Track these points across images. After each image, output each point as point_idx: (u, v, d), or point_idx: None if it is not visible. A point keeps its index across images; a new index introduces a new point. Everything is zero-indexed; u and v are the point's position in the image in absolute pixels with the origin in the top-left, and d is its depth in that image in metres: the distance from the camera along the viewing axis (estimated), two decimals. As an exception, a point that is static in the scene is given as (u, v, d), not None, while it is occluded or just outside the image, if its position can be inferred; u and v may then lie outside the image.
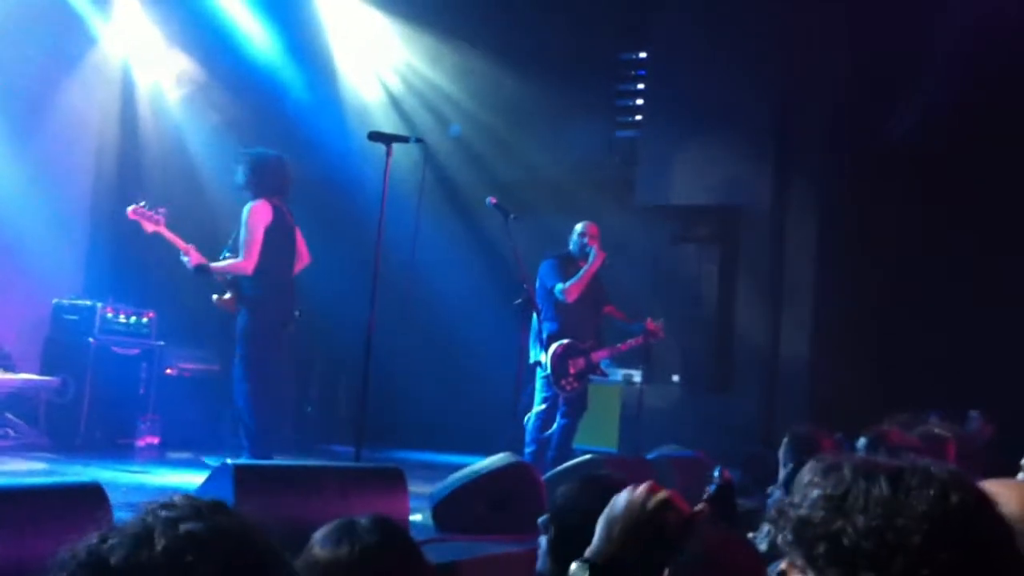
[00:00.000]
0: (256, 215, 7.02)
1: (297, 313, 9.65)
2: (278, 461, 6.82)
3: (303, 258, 7.45)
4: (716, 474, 5.00)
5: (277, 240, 7.11)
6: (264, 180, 7.15)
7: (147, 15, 9.99)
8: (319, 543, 2.25)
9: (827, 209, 9.50)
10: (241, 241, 6.99)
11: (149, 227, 6.93)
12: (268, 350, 7.08)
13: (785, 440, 4.71)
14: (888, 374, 8.60)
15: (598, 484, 2.54)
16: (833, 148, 9.49)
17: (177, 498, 1.34)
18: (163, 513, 1.30)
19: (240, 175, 7.21)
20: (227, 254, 7.11)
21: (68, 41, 9.51)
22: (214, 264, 7.01)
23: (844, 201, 9.37)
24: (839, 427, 5.52)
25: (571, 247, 8.15)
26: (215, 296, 7.14)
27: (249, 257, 6.96)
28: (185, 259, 6.95)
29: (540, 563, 2.49)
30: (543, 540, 2.50)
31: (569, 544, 2.39)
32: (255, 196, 7.10)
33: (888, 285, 9.05)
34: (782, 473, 4.62)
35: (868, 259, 9.17)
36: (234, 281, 7.05)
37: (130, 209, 6.95)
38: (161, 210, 6.97)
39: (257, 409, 6.98)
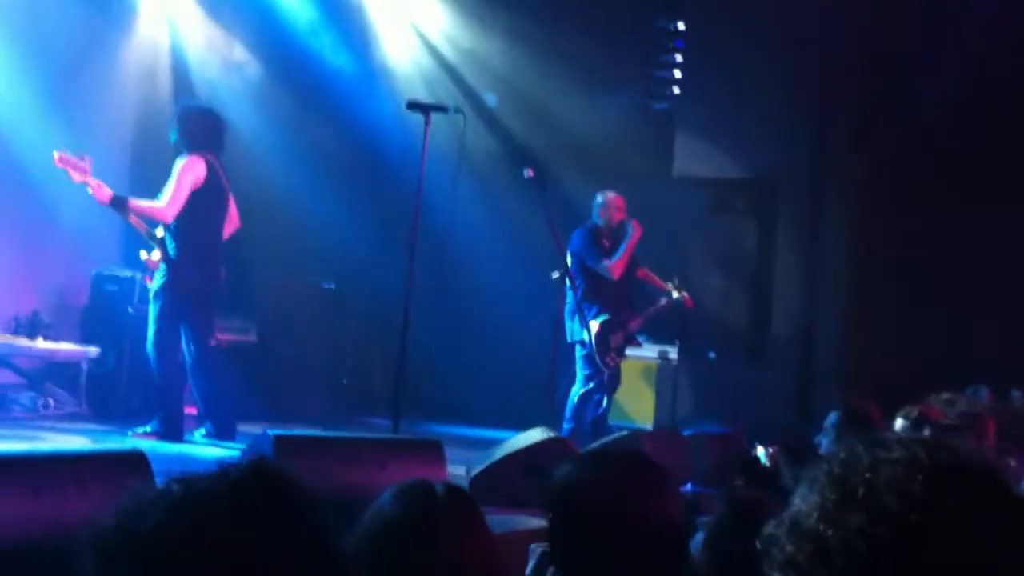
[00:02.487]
0: (186, 169, 6.87)
1: (332, 285, 9.74)
2: (316, 431, 6.87)
3: (233, 221, 7.30)
4: (759, 451, 4.97)
5: (207, 200, 6.95)
6: (192, 133, 6.97)
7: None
8: (390, 502, 2.26)
9: (865, 181, 9.40)
10: (166, 190, 6.83)
11: (76, 176, 6.71)
12: (187, 311, 6.95)
13: (837, 414, 4.67)
14: (927, 350, 8.52)
15: (597, 455, 2.53)
16: (872, 119, 9.37)
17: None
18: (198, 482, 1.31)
19: (173, 132, 7.05)
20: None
21: (108, 11, 9.53)
22: (132, 200, 6.82)
23: (882, 173, 9.26)
24: (877, 402, 5.47)
25: (595, 218, 8.10)
26: (143, 253, 7.05)
27: (170, 204, 6.79)
28: (92, 192, 6.70)
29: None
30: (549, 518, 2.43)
31: (567, 514, 2.37)
32: (188, 151, 6.95)
33: (928, 259, 8.94)
34: (827, 445, 4.59)
35: (907, 232, 9.06)
36: (161, 240, 6.93)
37: (56, 156, 6.69)
38: (87, 158, 6.76)
39: (165, 376, 6.92)
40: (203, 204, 6.94)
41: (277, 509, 1.30)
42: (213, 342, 7.27)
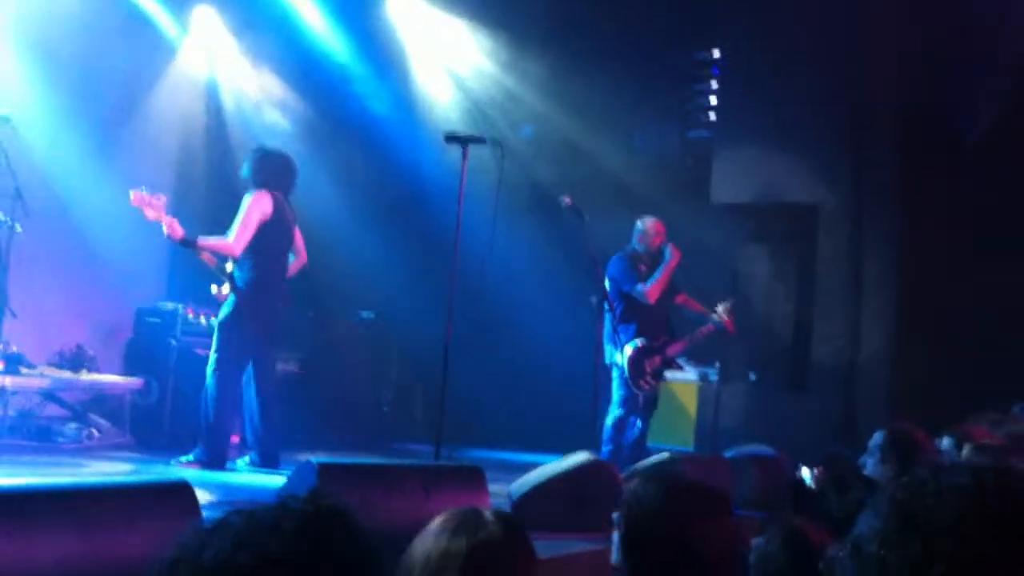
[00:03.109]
0: (254, 203, 7.06)
1: (372, 314, 9.81)
2: (359, 459, 6.90)
3: (301, 257, 7.50)
4: (804, 473, 4.94)
5: (274, 233, 7.14)
6: (266, 174, 7.20)
7: (225, 26, 10.18)
8: (441, 530, 2.24)
9: (905, 206, 9.34)
10: (234, 224, 7.00)
11: (150, 214, 6.90)
12: (251, 343, 7.09)
13: (883, 435, 4.64)
14: (971, 373, 8.42)
15: (665, 480, 2.56)
16: (909, 143, 9.33)
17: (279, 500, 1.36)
18: (260, 515, 1.33)
19: (245, 168, 7.28)
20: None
21: (149, 54, 9.75)
22: (201, 238, 7.00)
23: (922, 198, 9.20)
24: (921, 426, 5.43)
25: (635, 244, 8.13)
26: (213, 287, 7.20)
27: (237, 239, 6.97)
28: (167, 230, 6.86)
29: (614, 556, 2.51)
30: (615, 535, 2.51)
31: (639, 538, 2.42)
32: (256, 187, 7.15)
33: (969, 281, 8.86)
34: (872, 466, 4.55)
35: (947, 255, 8.99)
36: (230, 274, 7.09)
37: (132, 194, 6.88)
38: (161, 196, 6.94)
39: (219, 404, 6.99)
40: (269, 238, 7.12)
41: (338, 541, 1.31)
42: (275, 371, 7.45)
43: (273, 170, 7.27)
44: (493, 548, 2.21)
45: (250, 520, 1.30)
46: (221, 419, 7.07)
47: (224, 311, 7.13)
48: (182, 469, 6.71)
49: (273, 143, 7.67)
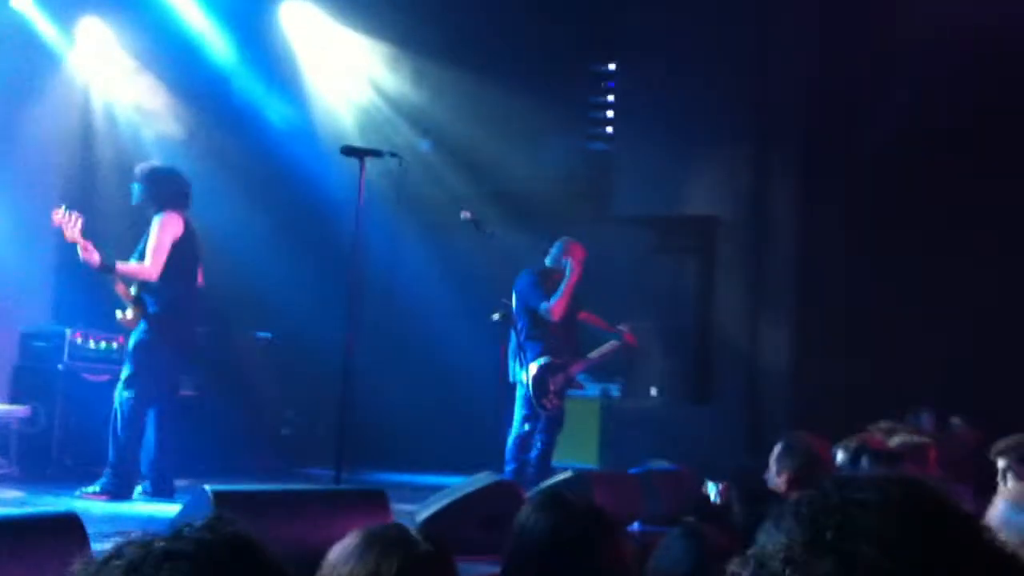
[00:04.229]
0: (165, 225, 6.96)
1: (269, 335, 9.59)
2: (256, 486, 6.71)
3: (198, 278, 7.37)
4: (710, 488, 4.92)
5: (186, 254, 7.05)
6: (162, 193, 7.08)
7: (113, 37, 9.88)
8: (358, 554, 2.08)
9: (805, 216, 9.50)
10: (149, 248, 6.89)
11: (68, 235, 6.76)
12: (164, 369, 7.01)
13: (780, 446, 4.64)
14: (872, 379, 8.57)
15: (552, 507, 2.51)
16: (809, 154, 9.49)
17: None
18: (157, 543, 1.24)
19: (138, 192, 7.13)
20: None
21: (32, 64, 9.39)
22: (119, 264, 6.89)
23: (823, 207, 9.35)
24: (824, 435, 5.46)
25: (547, 260, 8.10)
26: (118, 313, 7.06)
27: (154, 264, 6.88)
28: (82, 255, 6.73)
29: None
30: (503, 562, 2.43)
31: (527, 566, 2.34)
32: (161, 209, 7.02)
33: (866, 289, 9.04)
34: (772, 478, 4.55)
35: (846, 265, 9.16)
36: (137, 297, 6.97)
37: (54, 214, 6.78)
38: (78, 216, 6.78)
39: (129, 432, 6.87)
40: (181, 260, 7.00)
41: (240, 569, 1.24)
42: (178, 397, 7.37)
43: (173, 189, 7.14)
44: (426, 567, 2.10)
45: (143, 550, 1.22)
46: (130, 448, 6.91)
47: (136, 337, 6.98)
48: (88, 500, 6.51)
49: (161, 159, 7.46)
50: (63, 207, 6.81)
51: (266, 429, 9.29)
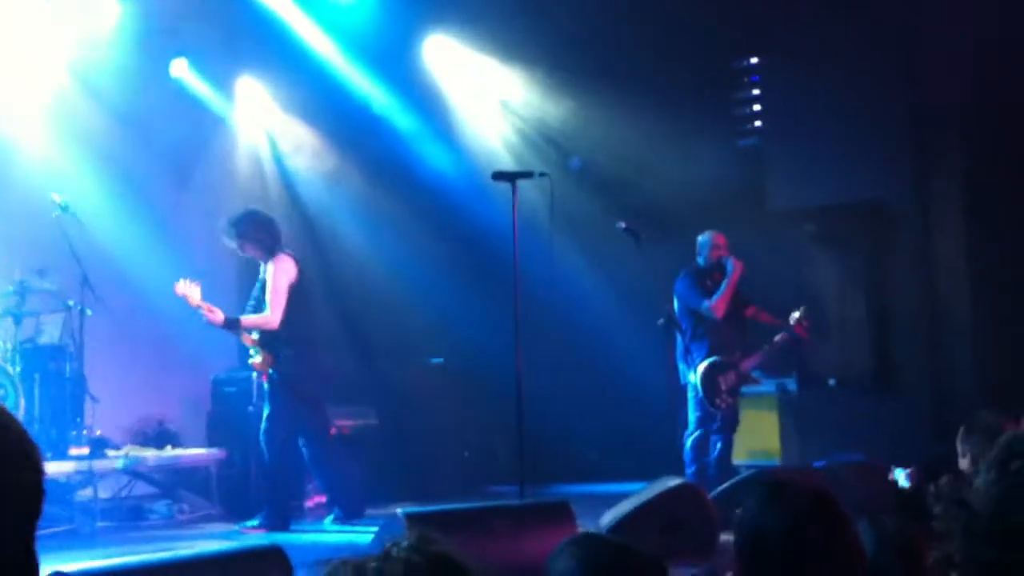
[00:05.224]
0: (280, 269, 7.21)
1: (442, 360, 9.83)
2: (443, 506, 6.89)
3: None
4: (898, 475, 4.80)
5: (302, 294, 7.29)
6: (264, 238, 7.30)
7: (270, 95, 10.34)
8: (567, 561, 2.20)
9: (971, 193, 9.15)
10: (268, 296, 7.16)
11: (192, 302, 7.14)
12: (299, 407, 7.24)
13: (962, 430, 4.52)
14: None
15: (781, 494, 2.35)
16: (973, 133, 9.12)
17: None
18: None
19: (241, 241, 7.31)
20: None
21: (198, 130, 9.91)
22: (243, 318, 7.21)
23: (990, 188, 8.97)
24: (1011, 413, 5.28)
25: (699, 260, 8.06)
26: (250, 360, 7.38)
27: (274, 311, 7.14)
28: (206, 317, 7.12)
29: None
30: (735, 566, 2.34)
31: (758, 557, 2.28)
32: (271, 253, 7.26)
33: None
34: (964, 464, 4.43)
35: (1018, 241, 8.76)
36: (264, 341, 7.21)
37: (177, 286, 7.15)
38: (195, 284, 7.17)
39: (275, 468, 7.20)
40: (298, 300, 7.26)
41: None
42: (331, 431, 7.64)
43: (271, 232, 7.37)
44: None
45: (358, 570, 1.29)
46: (277, 482, 7.26)
47: (270, 379, 7.29)
48: (247, 535, 6.86)
49: (243, 210, 7.67)
50: (183, 280, 7.16)
51: (448, 453, 9.50)
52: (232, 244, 7.38)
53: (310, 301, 7.45)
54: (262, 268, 7.32)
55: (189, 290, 7.13)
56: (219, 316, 7.13)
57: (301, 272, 7.32)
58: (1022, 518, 1.12)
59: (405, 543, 1.38)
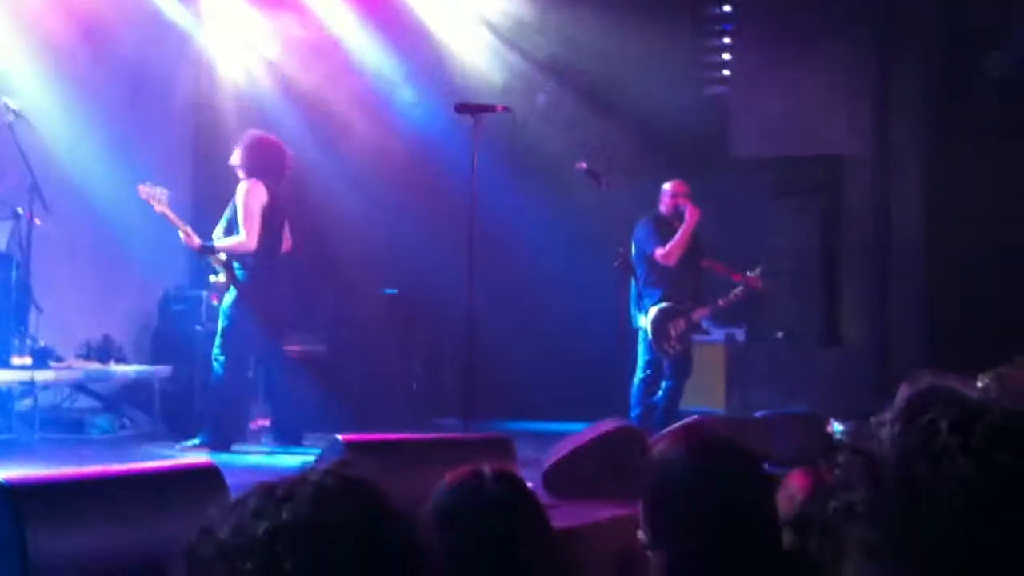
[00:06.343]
0: (252, 193, 7.17)
1: (395, 291, 9.79)
2: (386, 435, 6.91)
3: (286, 243, 7.57)
4: (835, 429, 4.85)
5: (272, 222, 7.27)
6: (254, 160, 7.28)
7: (233, 9, 10.11)
8: (442, 492, 2.25)
9: (931, 152, 9.20)
10: (240, 220, 7.13)
11: (157, 208, 7.16)
12: (255, 330, 7.24)
13: (903, 387, 4.56)
14: (1011, 320, 8.28)
15: (697, 444, 2.40)
16: (935, 89, 9.15)
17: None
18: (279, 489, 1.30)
19: (238, 155, 7.33)
20: (219, 233, 7.28)
21: (159, 41, 9.68)
22: (217, 243, 7.20)
23: (949, 142, 9.03)
24: (955, 374, 5.31)
25: (661, 207, 8.06)
26: (211, 277, 7.39)
27: (250, 235, 7.11)
28: (184, 240, 7.19)
29: (641, 527, 2.36)
30: (640, 503, 2.36)
31: (668, 506, 2.31)
32: (248, 176, 7.24)
33: (1001, 226, 8.71)
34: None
35: (977, 199, 8.83)
36: (227, 262, 7.23)
37: (140, 188, 7.18)
38: (164, 190, 7.17)
39: (224, 389, 7.16)
40: (268, 227, 7.23)
41: (356, 510, 1.29)
42: (285, 354, 7.67)
43: (265, 161, 7.33)
44: (492, 507, 2.24)
45: (268, 492, 1.29)
46: (226, 403, 7.23)
47: (227, 300, 7.27)
48: (187, 452, 6.83)
49: (268, 128, 7.69)
50: (147, 182, 7.15)
51: (396, 382, 9.51)
52: (236, 150, 7.37)
53: (278, 232, 7.39)
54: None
55: (155, 194, 7.11)
56: (196, 240, 7.17)
57: (274, 202, 7.28)
58: (928, 469, 1.11)
59: (323, 467, 1.36)
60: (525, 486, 2.38)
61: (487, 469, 2.32)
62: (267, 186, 7.26)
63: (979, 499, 1.08)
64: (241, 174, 7.27)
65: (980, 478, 1.08)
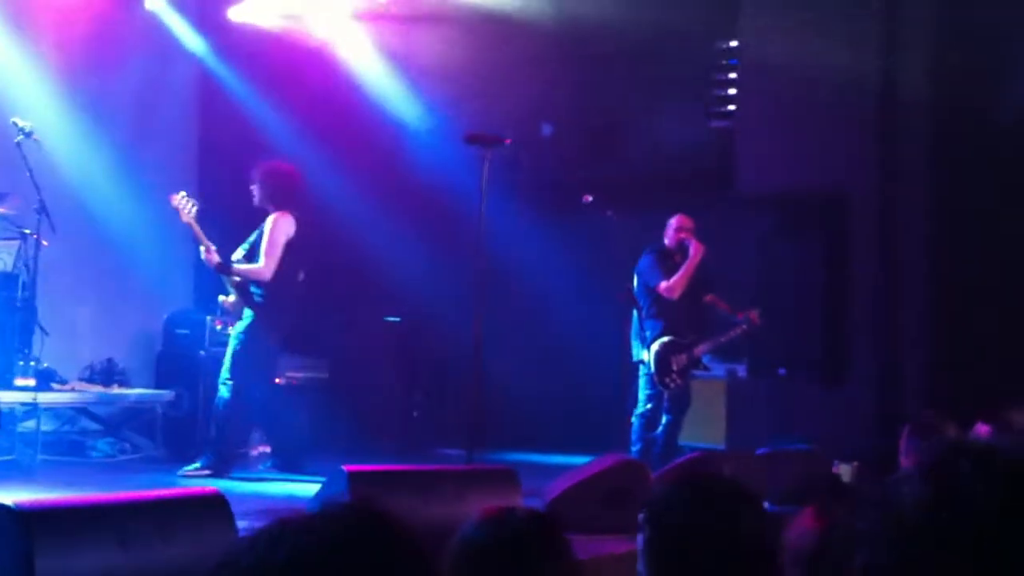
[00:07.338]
0: (280, 226, 7.26)
1: (399, 318, 9.81)
2: (388, 465, 6.91)
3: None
4: (844, 470, 4.86)
5: (295, 253, 7.34)
6: (283, 194, 7.35)
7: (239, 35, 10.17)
8: (474, 529, 2.26)
9: (937, 191, 9.22)
10: (261, 249, 7.20)
11: (184, 218, 7.22)
12: (265, 357, 7.34)
13: (907, 430, 4.58)
14: (1017, 357, 8.26)
15: (697, 483, 2.47)
16: (940, 123, 9.18)
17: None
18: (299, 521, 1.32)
19: (257, 189, 7.39)
20: (239, 256, 7.35)
21: (167, 63, 9.74)
22: (235, 266, 7.26)
23: (959, 183, 9.05)
24: (964, 416, 5.33)
25: (666, 241, 8.09)
26: (221, 297, 7.47)
27: (268, 265, 7.20)
28: (204, 256, 7.23)
29: (639, 563, 2.40)
30: (640, 539, 2.40)
31: (666, 544, 2.35)
32: (277, 208, 7.30)
33: (1009, 265, 8.70)
34: (906, 462, 4.49)
35: (985, 240, 8.83)
36: (242, 284, 7.28)
37: (173, 197, 7.27)
38: (194, 203, 7.24)
39: (229, 413, 7.18)
40: (290, 258, 7.32)
41: (377, 541, 1.30)
42: (278, 381, 7.78)
43: (285, 187, 7.40)
44: (528, 545, 2.24)
45: (287, 524, 1.30)
46: (230, 428, 7.25)
47: (242, 324, 7.30)
48: (188, 478, 6.85)
49: (280, 154, 7.76)
50: (182, 192, 7.25)
51: (398, 410, 9.51)
52: (255, 188, 7.42)
53: (297, 264, 7.43)
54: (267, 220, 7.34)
55: (185, 205, 7.19)
56: (216, 258, 7.20)
57: (300, 234, 7.35)
58: (952, 519, 1.13)
59: (343, 502, 1.38)
60: (556, 525, 2.40)
61: (518, 508, 2.35)
62: (296, 218, 7.33)
63: (1017, 560, 1.09)
64: (270, 208, 7.34)
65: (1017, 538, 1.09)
